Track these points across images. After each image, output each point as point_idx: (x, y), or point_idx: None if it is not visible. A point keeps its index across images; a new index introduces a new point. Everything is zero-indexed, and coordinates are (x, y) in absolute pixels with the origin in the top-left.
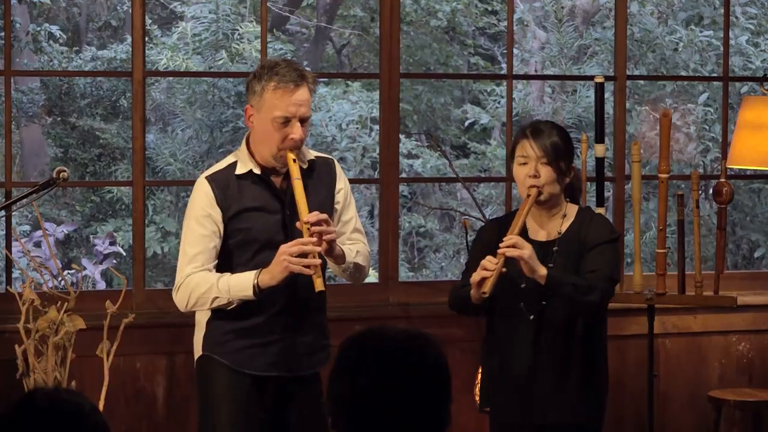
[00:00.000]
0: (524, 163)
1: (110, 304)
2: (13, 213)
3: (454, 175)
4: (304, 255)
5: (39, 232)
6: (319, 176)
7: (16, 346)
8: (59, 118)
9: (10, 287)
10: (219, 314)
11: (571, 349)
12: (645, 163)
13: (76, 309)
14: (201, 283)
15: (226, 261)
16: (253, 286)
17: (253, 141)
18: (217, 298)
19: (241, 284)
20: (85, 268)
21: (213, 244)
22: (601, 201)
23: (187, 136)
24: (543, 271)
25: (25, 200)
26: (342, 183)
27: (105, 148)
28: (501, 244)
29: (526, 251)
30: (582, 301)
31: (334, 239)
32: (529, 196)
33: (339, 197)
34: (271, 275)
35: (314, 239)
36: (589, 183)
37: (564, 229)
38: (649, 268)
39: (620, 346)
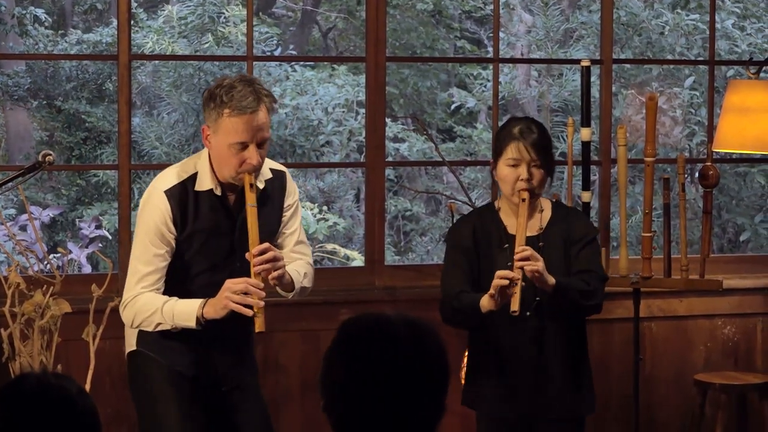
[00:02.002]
0: (515, 165)
1: (96, 288)
2: None
3: (441, 159)
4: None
5: (25, 216)
6: (272, 194)
7: (2, 330)
8: (45, 102)
9: None
10: None
11: (569, 343)
12: (631, 147)
13: (61, 292)
14: (147, 306)
15: (169, 276)
16: (197, 318)
17: (214, 161)
18: (160, 324)
19: (185, 314)
20: (71, 252)
21: (165, 263)
22: (587, 185)
23: (173, 120)
24: (552, 281)
25: (10, 184)
26: (291, 198)
27: (91, 131)
28: (516, 257)
29: (541, 263)
30: (586, 305)
31: (282, 274)
32: (524, 200)
33: (287, 212)
34: (214, 309)
35: (261, 284)
36: (575, 167)
37: (545, 223)
38: (634, 251)
39: (606, 330)
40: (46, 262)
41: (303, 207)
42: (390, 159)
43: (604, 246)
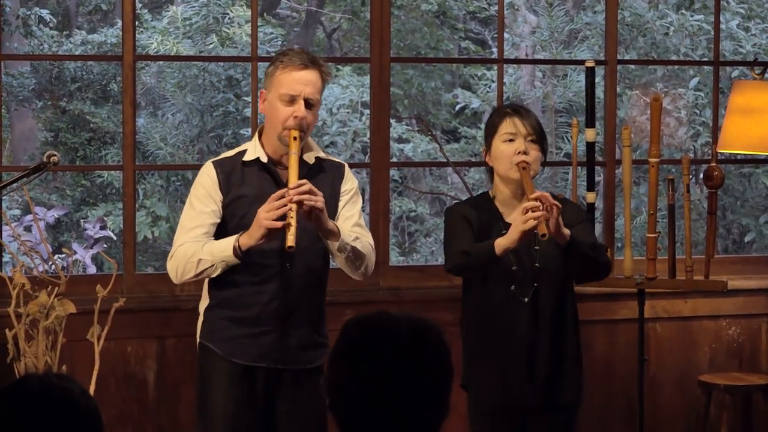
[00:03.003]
0: (511, 140)
1: (101, 288)
2: (3, 197)
3: (445, 160)
4: (283, 218)
5: (29, 217)
6: (326, 176)
7: (7, 331)
8: (49, 102)
9: (1, 271)
10: (216, 302)
11: (565, 330)
12: (635, 148)
13: (66, 293)
14: (189, 249)
15: None
16: (234, 248)
17: (265, 128)
18: (201, 260)
19: (223, 245)
20: (75, 252)
21: (211, 221)
22: (591, 185)
23: (178, 120)
24: (567, 232)
25: (15, 184)
26: (349, 185)
27: (95, 132)
28: (533, 196)
29: (558, 208)
30: (598, 259)
31: (318, 207)
32: (524, 169)
33: (344, 197)
34: (249, 235)
35: (294, 206)
36: (579, 167)
37: None
38: (639, 252)
39: (610, 331)
40: (50, 263)
41: None
42: (394, 160)
43: (609, 247)
